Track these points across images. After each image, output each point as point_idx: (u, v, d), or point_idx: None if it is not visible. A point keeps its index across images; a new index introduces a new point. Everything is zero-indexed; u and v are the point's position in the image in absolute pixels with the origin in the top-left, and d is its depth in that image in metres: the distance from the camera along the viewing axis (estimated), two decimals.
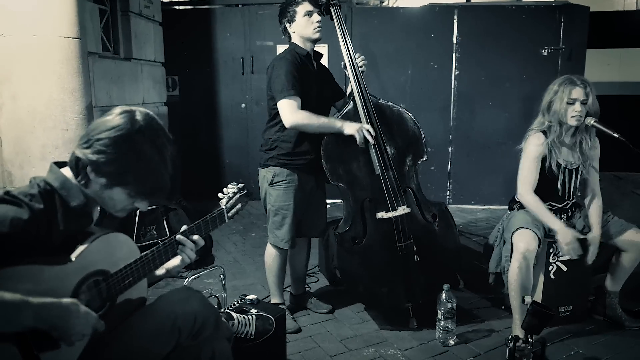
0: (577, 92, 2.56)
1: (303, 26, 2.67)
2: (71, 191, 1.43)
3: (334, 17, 2.79)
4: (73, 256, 1.36)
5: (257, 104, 5.57)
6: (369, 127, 2.63)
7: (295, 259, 3.01)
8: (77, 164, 1.41)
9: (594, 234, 2.62)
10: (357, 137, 2.60)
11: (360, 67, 2.76)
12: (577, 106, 2.55)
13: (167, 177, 1.44)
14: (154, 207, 3.67)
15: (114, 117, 1.40)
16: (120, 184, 1.41)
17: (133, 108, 1.44)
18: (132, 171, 1.39)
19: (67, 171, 1.46)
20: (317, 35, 2.68)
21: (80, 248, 1.38)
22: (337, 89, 2.95)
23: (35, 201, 1.36)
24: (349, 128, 2.61)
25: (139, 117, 1.42)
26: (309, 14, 2.66)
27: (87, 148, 1.38)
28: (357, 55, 2.77)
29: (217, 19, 5.57)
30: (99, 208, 1.56)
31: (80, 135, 1.43)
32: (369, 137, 2.60)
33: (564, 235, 2.53)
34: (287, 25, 2.72)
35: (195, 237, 1.62)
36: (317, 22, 2.67)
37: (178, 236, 1.57)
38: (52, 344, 1.30)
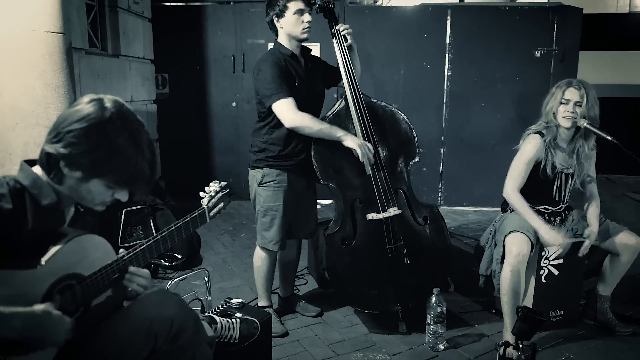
0: (571, 93, 2.53)
1: (292, 24, 2.56)
2: (42, 189, 1.38)
3: (328, 15, 2.73)
4: (44, 259, 1.30)
5: (248, 102, 5.51)
6: (371, 146, 2.57)
7: (285, 261, 2.96)
8: (48, 160, 1.35)
9: (592, 228, 2.61)
10: (360, 153, 2.53)
11: (343, 32, 2.69)
12: (570, 107, 2.52)
13: (145, 164, 1.38)
14: (141, 206, 3.61)
15: (83, 107, 1.34)
16: (97, 175, 1.35)
17: (101, 96, 1.38)
18: (107, 161, 1.33)
19: (38, 169, 1.40)
20: (305, 36, 2.59)
21: (52, 251, 1.32)
22: (330, 77, 2.84)
23: (5, 201, 1.30)
24: (350, 141, 2.54)
25: (108, 104, 1.36)
26: (300, 12, 2.55)
27: (57, 142, 1.32)
28: (341, 26, 2.70)
29: (208, 16, 5.50)
30: (72, 208, 1.50)
31: (49, 130, 1.37)
32: (369, 157, 2.56)
33: (547, 233, 2.51)
34: (275, 19, 2.60)
35: (134, 269, 1.49)
36: (307, 22, 2.56)
37: (126, 277, 1.47)
38: (22, 350, 1.24)
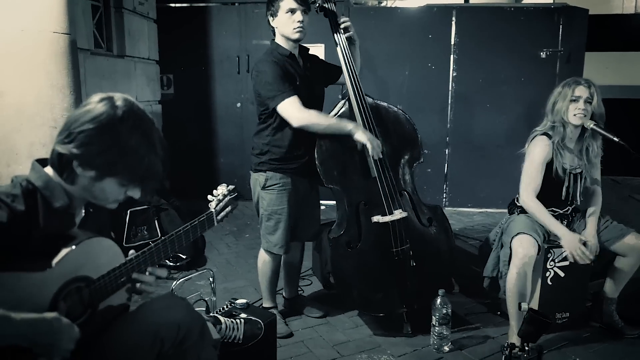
0: (581, 90, 2.53)
1: (283, 24, 2.53)
2: (55, 191, 1.37)
3: (329, 14, 2.70)
4: (54, 262, 1.30)
5: (252, 103, 5.48)
6: (379, 142, 2.56)
7: (289, 262, 2.95)
8: (60, 160, 1.35)
9: (587, 232, 2.59)
10: (370, 147, 2.51)
11: (343, 26, 2.66)
12: (581, 104, 2.51)
13: (158, 161, 1.39)
14: (145, 207, 3.62)
15: (94, 106, 1.34)
16: (111, 174, 1.35)
17: (111, 94, 1.38)
18: (120, 160, 1.34)
19: (50, 170, 1.40)
20: (296, 36, 2.54)
21: (62, 253, 1.31)
22: (328, 75, 2.81)
23: (17, 203, 1.30)
24: (361, 135, 2.51)
25: (119, 102, 1.35)
26: (292, 11, 2.50)
27: (69, 142, 1.32)
28: (343, 20, 2.68)
29: (213, 17, 5.51)
30: (83, 210, 1.50)
31: (59, 130, 1.37)
32: (379, 155, 2.55)
33: (570, 241, 2.50)
34: (270, 19, 2.58)
35: (151, 269, 1.51)
36: (298, 21, 2.50)
37: (134, 275, 1.47)
38: (29, 358, 1.23)
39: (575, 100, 2.52)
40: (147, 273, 1.50)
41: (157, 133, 1.40)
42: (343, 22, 2.68)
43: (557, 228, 2.54)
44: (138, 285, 1.50)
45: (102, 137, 1.31)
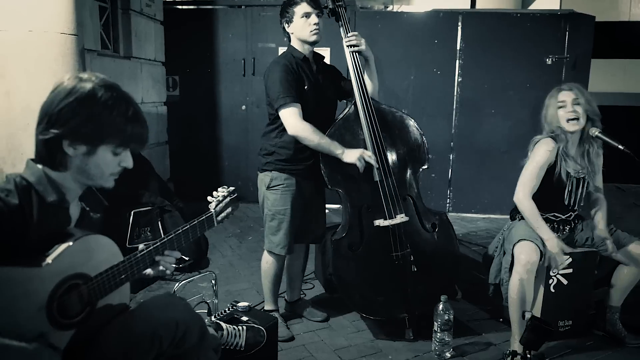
0: (564, 95, 2.56)
1: (300, 28, 2.60)
2: (48, 186, 1.39)
3: (340, 19, 2.74)
4: (50, 258, 1.30)
5: (257, 106, 5.52)
6: (370, 153, 2.57)
7: (292, 265, 2.96)
8: (48, 148, 1.37)
9: (608, 242, 2.59)
10: (359, 165, 2.53)
11: (354, 46, 2.69)
12: (569, 107, 2.53)
13: (140, 120, 1.43)
14: (149, 208, 3.62)
15: (64, 84, 1.38)
16: (102, 140, 1.38)
17: (75, 74, 1.43)
18: (107, 121, 1.37)
19: (41, 166, 1.42)
20: (314, 38, 2.60)
21: (58, 250, 1.32)
22: (343, 88, 2.82)
23: (11, 197, 1.32)
24: (349, 156, 2.54)
25: (85, 76, 1.41)
26: (307, 15, 2.58)
27: (52, 125, 1.35)
28: (351, 34, 2.70)
29: (220, 19, 5.54)
30: (78, 208, 1.51)
31: (36, 124, 1.40)
32: (372, 162, 2.56)
33: (553, 246, 2.49)
34: (286, 25, 2.65)
35: (168, 252, 1.56)
36: (314, 24, 2.58)
37: (157, 257, 1.52)
38: None
39: (562, 106, 2.54)
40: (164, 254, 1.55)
41: (131, 98, 1.45)
42: (350, 39, 2.69)
43: (544, 231, 2.52)
44: (161, 267, 1.55)
45: (83, 106, 1.35)
